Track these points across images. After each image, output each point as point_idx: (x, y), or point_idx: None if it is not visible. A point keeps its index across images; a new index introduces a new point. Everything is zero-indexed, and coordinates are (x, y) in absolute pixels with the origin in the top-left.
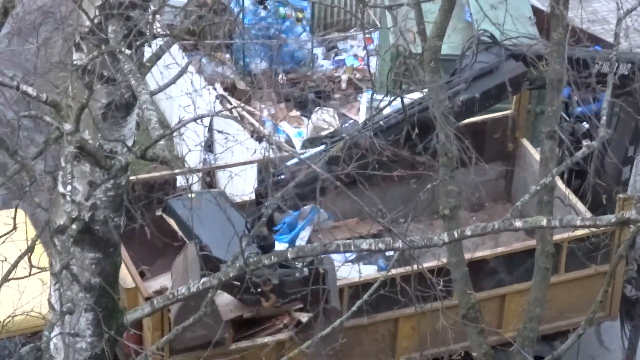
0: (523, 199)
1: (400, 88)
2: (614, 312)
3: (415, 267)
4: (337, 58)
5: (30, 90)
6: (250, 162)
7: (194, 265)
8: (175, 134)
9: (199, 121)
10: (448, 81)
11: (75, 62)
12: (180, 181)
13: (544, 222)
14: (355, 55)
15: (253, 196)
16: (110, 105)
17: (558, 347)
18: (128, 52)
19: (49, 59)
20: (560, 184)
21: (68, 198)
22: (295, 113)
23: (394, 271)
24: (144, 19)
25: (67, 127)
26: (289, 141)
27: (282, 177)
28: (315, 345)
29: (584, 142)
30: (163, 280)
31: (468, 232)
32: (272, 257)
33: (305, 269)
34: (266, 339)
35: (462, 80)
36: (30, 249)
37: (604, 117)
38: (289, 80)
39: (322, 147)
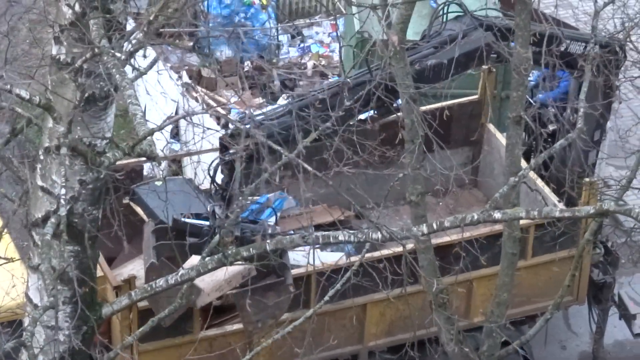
0: (501, 190)
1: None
2: (582, 297)
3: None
4: (302, 45)
5: (23, 93)
6: (216, 150)
7: (148, 243)
8: (139, 120)
9: (165, 106)
10: (414, 45)
11: (56, 56)
12: (146, 169)
13: (523, 214)
14: (321, 42)
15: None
16: (89, 97)
17: (526, 331)
18: (119, 55)
19: (14, 48)
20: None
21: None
22: (261, 100)
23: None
24: (123, 12)
25: (60, 129)
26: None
27: (248, 126)
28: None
29: (550, 127)
30: (133, 267)
31: (447, 224)
32: (251, 249)
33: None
34: (234, 327)
35: (431, 45)
36: None
37: (582, 110)
38: (255, 68)
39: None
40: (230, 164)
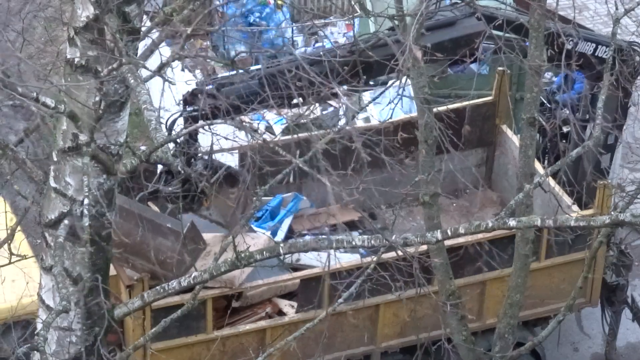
0: (517, 197)
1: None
2: (595, 298)
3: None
4: (317, 45)
5: (49, 101)
6: (232, 150)
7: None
8: (154, 127)
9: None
10: None
11: (70, 59)
12: (161, 168)
13: (538, 222)
14: (336, 42)
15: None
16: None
17: (539, 333)
18: (146, 73)
19: (29, 46)
20: (540, 169)
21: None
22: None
23: (373, 258)
24: (139, 15)
25: (83, 138)
26: (269, 128)
27: (211, 86)
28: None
29: (565, 129)
30: None
31: (461, 230)
32: (264, 252)
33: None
34: (247, 327)
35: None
36: (10, 237)
37: (600, 118)
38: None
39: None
40: (193, 119)
